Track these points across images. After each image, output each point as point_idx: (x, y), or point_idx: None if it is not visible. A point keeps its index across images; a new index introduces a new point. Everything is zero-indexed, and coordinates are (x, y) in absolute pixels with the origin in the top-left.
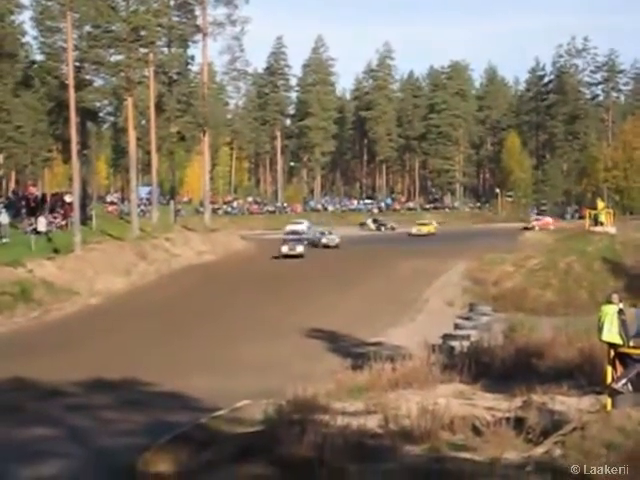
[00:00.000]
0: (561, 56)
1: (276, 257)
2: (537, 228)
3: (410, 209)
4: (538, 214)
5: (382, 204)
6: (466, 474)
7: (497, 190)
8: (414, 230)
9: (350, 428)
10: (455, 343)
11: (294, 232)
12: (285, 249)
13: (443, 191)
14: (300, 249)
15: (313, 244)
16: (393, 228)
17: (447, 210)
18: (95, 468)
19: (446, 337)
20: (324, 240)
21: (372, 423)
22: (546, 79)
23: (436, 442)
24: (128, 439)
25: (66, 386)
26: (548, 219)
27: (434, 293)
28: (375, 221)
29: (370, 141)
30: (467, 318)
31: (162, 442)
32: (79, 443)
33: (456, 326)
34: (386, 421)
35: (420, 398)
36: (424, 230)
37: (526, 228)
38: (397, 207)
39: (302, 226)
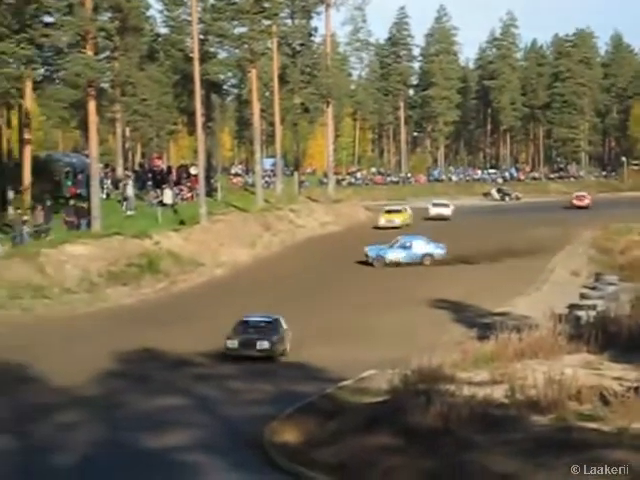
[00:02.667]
0: None
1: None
2: (585, 203)
3: (535, 179)
4: None
5: (506, 174)
6: (594, 444)
7: (623, 159)
8: (382, 221)
9: (476, 398)
10: (581, 313)
11: (258, 323)
12: (232, 344)
13: (568, 160)
14: (265, 345)
15: None
16: (518, 198)
17: (572, 179)
18: (222, 438)
19: (572, 307)
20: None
21: (498, 393)
22: None
23: (563, 412)
24: (255, 409)
25: (193, 356)
26: (588, 195)
27: (559, 262)
28: (499, 191)
29: (494, 110)
30: (593, 288)
31: (289, 412)
32: (206, 413)
33: (582, 296)
34: (512, 391)
35: (546, 368)
36: (398, 221)
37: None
38: (521, 177)
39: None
